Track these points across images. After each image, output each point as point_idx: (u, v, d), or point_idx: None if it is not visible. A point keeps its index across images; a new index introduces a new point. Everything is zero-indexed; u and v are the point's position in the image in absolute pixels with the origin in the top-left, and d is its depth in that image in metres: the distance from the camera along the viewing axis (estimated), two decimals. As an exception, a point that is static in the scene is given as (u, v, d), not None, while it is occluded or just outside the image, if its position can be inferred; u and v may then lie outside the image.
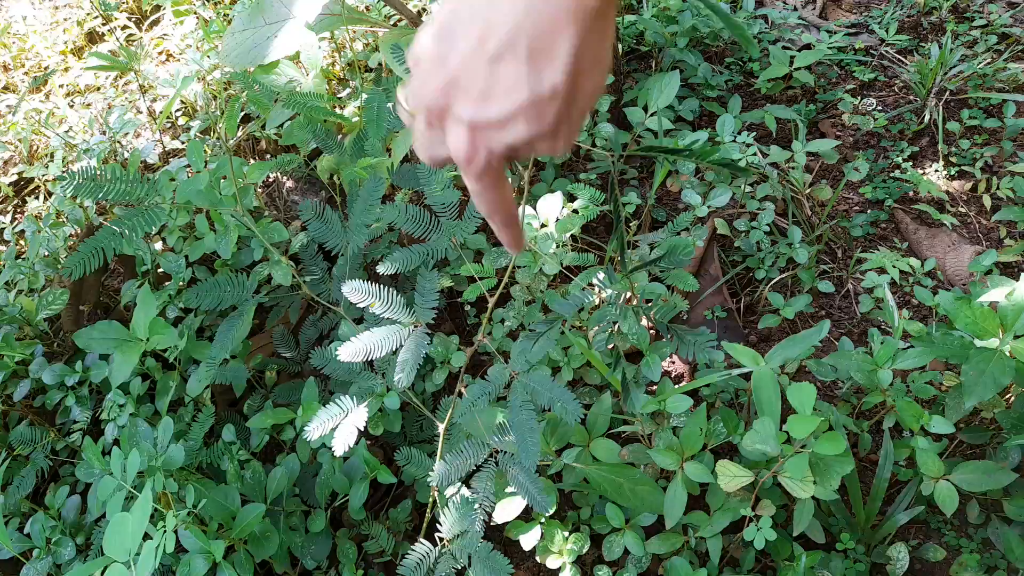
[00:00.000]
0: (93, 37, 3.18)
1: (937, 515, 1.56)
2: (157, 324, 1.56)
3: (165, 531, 1.10)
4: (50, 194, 2.57)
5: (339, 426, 1.37)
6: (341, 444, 1.34)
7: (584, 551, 1.47)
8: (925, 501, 1.50)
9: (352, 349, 1.27)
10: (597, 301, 1.68)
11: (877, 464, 1.65)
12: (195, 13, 2.88)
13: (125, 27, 3.04)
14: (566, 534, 1.46)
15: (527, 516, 1.49)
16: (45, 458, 1.71)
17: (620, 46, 2.28)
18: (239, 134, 2.49)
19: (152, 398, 1.78)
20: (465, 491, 1.46)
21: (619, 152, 1.07)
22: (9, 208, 2.66)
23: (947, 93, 2.32)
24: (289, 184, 2.47)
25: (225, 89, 2.60)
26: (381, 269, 1.45)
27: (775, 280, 1.93)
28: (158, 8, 3.12)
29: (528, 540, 1.46)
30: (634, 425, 1.54)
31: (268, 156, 2.54)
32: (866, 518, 1.49)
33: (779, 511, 1.44)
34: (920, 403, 1.57)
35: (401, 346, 1.31)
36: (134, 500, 1.12)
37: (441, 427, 1.44)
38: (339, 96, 2.56)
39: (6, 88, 3.03)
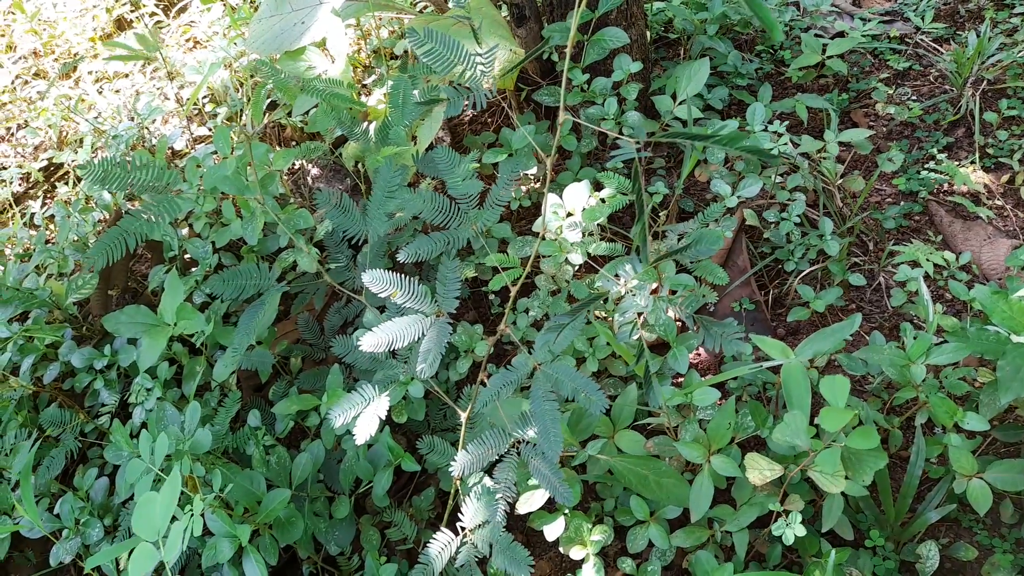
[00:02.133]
0: (122, 24, 3.20)
1: (969, 514, 1.53)
2: (184, 309, 1.57)
3: (192, 514, 1.11)
4: (79, 179, 2.59)
5: (361, 414, 1.37)
6: (363, 433, 1.34)
7: (608, 543, 1.46)
8: (957, 499, 1.47)
9: (374, 339, 1.26)
10: (623, 291, 1.66)
11: (908, 461, 1.62)
12: (222, 0, 2.89)
13: (153, 14, 3.06)
14: (590, 525, 1.45)
15: (551, 507, 1.49)
16: (74, 440, 1.73)
17: (648, 33, 2.25)
18: (264, 121, 2.49)
19: (178, 382, 1.79)
20: (487, 481, 1.45)
21: (644, 139, 1.05)
22: (39, 193, 2.69)
23: (984, 83, 2.26)
24: (314, 172, 2.47)
25: (251, 76, 2.61)
26: (401, 257, 1.44)
27: (805, 272, 1.89)
28: (186, -5, 3.13)
29: (552, 531, 1.45)
30: (659, 417, 1.52)
31: (293, 143, 2.54)
32: (896, 515, 1.47)
33: (806, 507, 1.42)
34: (953, 399, 1.54)
35: (423, 336, 1.30)
36: (162, 482, 1.12)
37: (463, 416, 1.44)
38: (364, 84, 2.55)
39: (36, 74, 3.06)
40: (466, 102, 1.18)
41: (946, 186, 2.09)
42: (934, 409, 1.41)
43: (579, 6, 0.95)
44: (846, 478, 1.19)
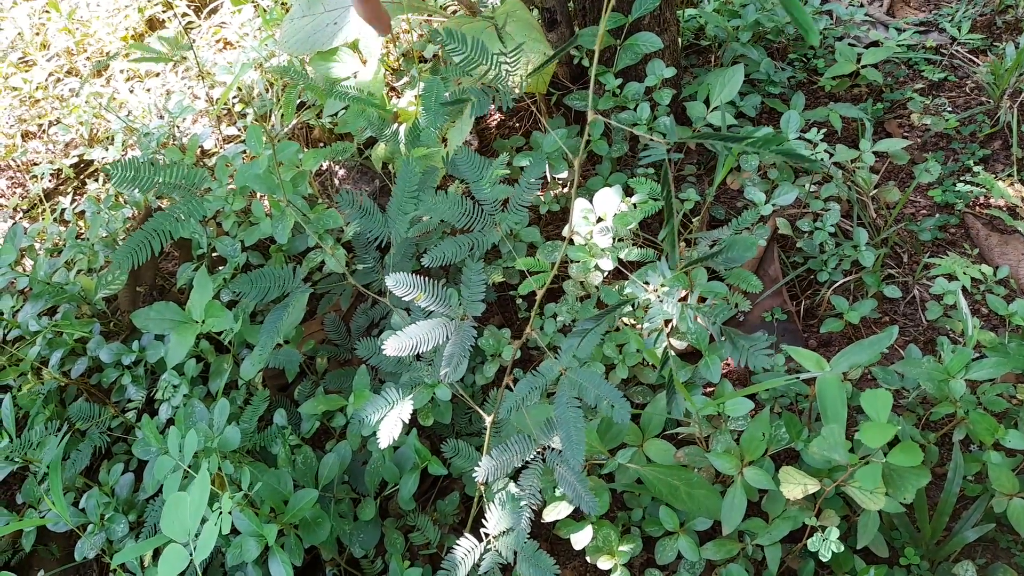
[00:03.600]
0: (153, 24, 3.23)
1: (1008, 534, 1.49)
2: (213, 307, 1.57)
3: (221, 512, 1.10)
4: (109, 176, 2.61)
5: (385, 417, 1.35)
6: (386, 436, 1.33)
7: (636, 554, 1.44)
8: (995, 519, 1.44)
9: (398, 343, 1.24)
10: (653, 298, 1.64)
11: (944, 478, 1.59)
12: (253, 2, 2.90)
13: (185, 14, 3.09)
14: (618, 535, 1.43)
15: (577, 515, 1.47)
16: (101, 435, 1.73)
17: (680, 40, 2.23)
18: (293, 122, 2.50)
19: (204, 380, 1.79)
20: (512, 487, 1.44)
21: (674, 140, 1.03)
22: (69, 189, 2.71)
23: (1022, 95, 2.22)
24: (341, 173, 2.47)
25: (281, 77, 2.62)
26: (426, 261, 1.42)
27: (838, 283, 1.86)
28: (217, -4, 3.15)
29: (579, 539, 1.43)
30: (690, 427, 1.50)
31: (321, 144, 2.55)
32: (932, 533, 1.43)
33: (840, 522, 1.39)
34: (991, 416, 1.50)
35: (447, 339, 1.28)
36: (190, 479, 1.12)
37: (488, 420, 1.42)
38: (394, 87, 2.55)
39: (69, 72, 3.09)
40: (493, 105, 1.17)
41: (983, 199, 2.05)
42: (974, 425, 1.37)
43: (607, 8, 0.94)
44: (886, 495, 1.17)
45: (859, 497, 1.20)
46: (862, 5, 2.67)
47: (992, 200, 2.03)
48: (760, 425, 1.34)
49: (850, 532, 1.41)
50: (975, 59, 2.44)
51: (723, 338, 1.20)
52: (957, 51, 2.47)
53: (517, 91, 1.14)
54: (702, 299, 1.71)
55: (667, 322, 1.76)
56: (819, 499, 1.33)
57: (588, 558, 1.44)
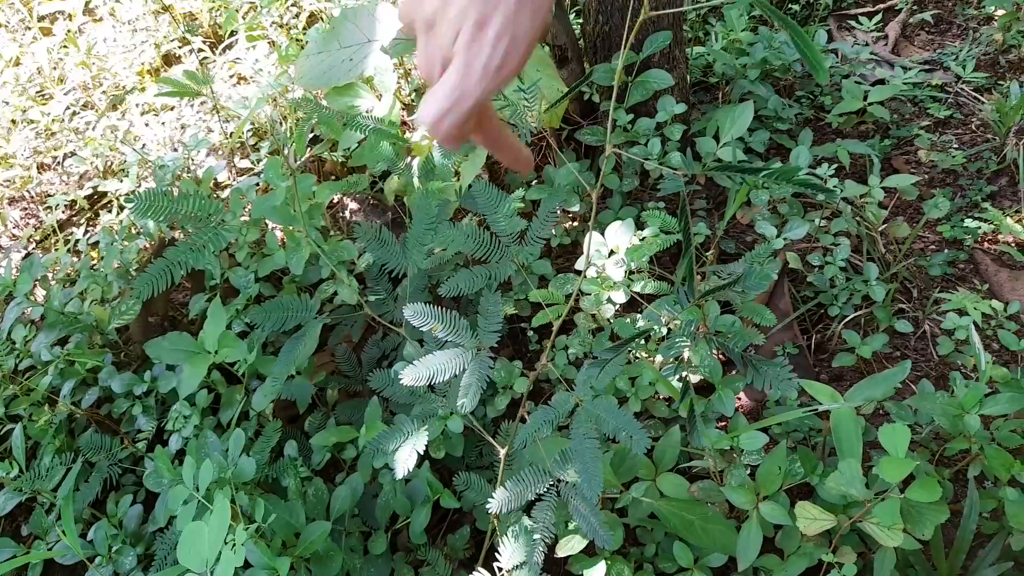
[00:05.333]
0: (169, 59, 3.29)
1: (1026, 573, 1.47)
2: (226, 337, 1.58)
3: (235, 545, 1.09)
4: (123, 208, 2.64)
5: (399, 448, 1.35)
6: (402, 467, 1.32)
7: (649, 590, 1.42)
8: (1013, 557, 1.42)
9: (414, 373, 1.24)
10: (667, 331, 1.65)
11: (959, 515, 1.57)
12: (267, 39, 2.96)
13: (200, 50, 3.14)
14: (631, 571, 1.41)
15: (590, 550, 1.45)
16: (110, 466, 1.72)
17: (688, 77, 2.27)
18: (306, 155, 2.53)
19: (214, 411, 1.79)
20: (526, 520, 1.43)
21: (691, 172, 1.05)
22: (83, 221, 2.74)
23: (1028, 132, 2.25)
24: (352, 206, 2.49)
25: (295, 111, 2.66)
26: (443, 291, 1.43)
27: (849, 318, 1.87)
28: (233, 33, 3.22)
29: (592, 575, 1.41)
30: (703, 461, 1.49)
31: (333, 178, 2.58)
32: (948, 572, 1.41)
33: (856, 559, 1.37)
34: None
35: (464, 370, 1.29)
36: (205, 511, 1.11)
37: (502, 453, 1.42)
38: (405, 121, 2.59)
39: (86, 106, 3.14)
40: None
41: (991, 234, 2.06)
42: (989, 461, 1.36)
43: (625, 46, 0.96)
44: (904, 531, 1.15)
45: (876, 533, 1.19)
46: (867, 44, 2.72)
47: (1001, 236, 2.05)
48: (776, 459, 1.33)
49: (865, 570, 1.39)
50: (980, 97, 2.47)
51: (744, 365, 1.20)
52: (962, 89, 2.51)
53: (534, 125, 1.16)
54: (716, 332, 1.71)
55: (679, 355, 1.76)
56: (835, 535, 1.32)
57: (601, 594, 1.42)
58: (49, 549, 1.58)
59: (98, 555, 1.53)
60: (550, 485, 1.37)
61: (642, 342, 1.72)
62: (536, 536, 1.35)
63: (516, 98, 1.21)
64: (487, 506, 1.33)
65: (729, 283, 1.24)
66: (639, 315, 1.85)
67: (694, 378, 1.69)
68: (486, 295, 1.36)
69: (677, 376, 1.65)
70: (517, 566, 1.37)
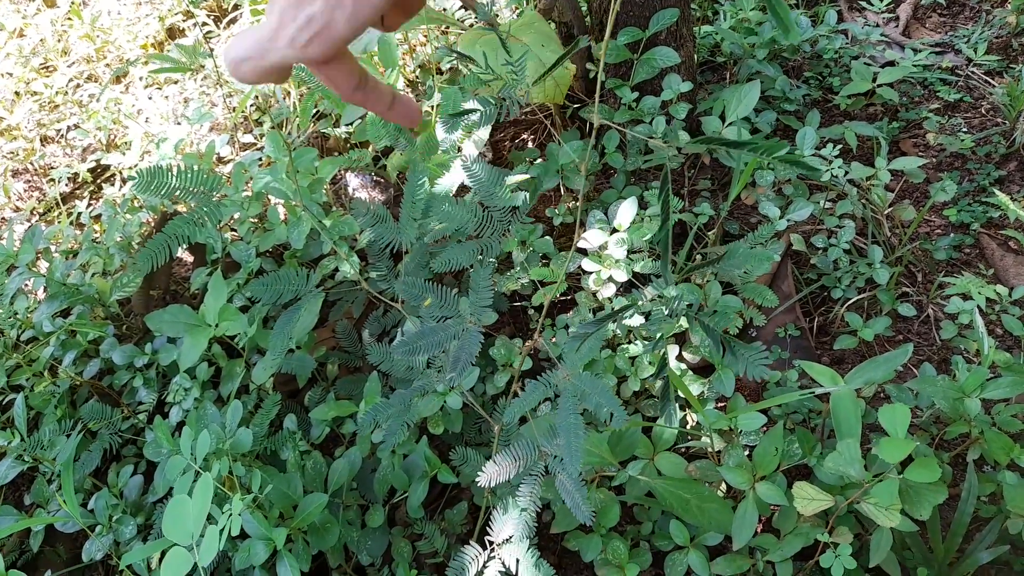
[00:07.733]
0: (173, 32, 3.27)
1: (1022, 556, 1.47)
2: (227, 311, 1.58)
3: (231, 514, 1.10)
4: (125, 181, 2.63)
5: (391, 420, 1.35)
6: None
7: (645, 568, 1.42)
8: (1009, 540, 1.42)
9: (405, 346, 1.24)
10: (655, 304, 1.64)
11: (957, 498, 1.57)
12: (272, 12, 2.93)
13: (204, 23, 3.12)
14: (627, 548, 1.42)
15: (587, 527, 1.46)
16: (111, 436, 1.73)
17: (696, 56, 2.24)
18: (309, 130, 2.52)
19: (215, 384, 1.79)
20: (518, 494, 1.43)
21: (682, 148, 1.03)
22: (86, 194, 2.74)
23: (1039, 116, 2.22)
24: (354, 182, 2.48)
25: (298, 87, 2.64)
26: (435, 266, 1.42)
27: (852, 300, 1.86)
28: (237, 7, 3.19)
29: (588, 552, 1.42)
30: (701, 440, 1.49)
31: (336, 153, 2.56)
32: (945, 554, 1.41)
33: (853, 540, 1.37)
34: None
35: (452, 343, 1.28)
36: (202, 481, 1.12)
37: (496, 428, 1.42)
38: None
39: (89, 78, 3.13)
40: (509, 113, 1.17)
41: (998, 219, 2.04)
42: (989, 445, 1.36)
43: (612, 12, 0.94)
44: (902, 511, 1.15)
45: (874, 514, 1.18)
46: (878, 25, 2.68)
47: (1008, 221, 2.03)
48: (773, 440, 1.33)
49: (862, 551, 1.39)
50: (991, 80, 2.44)
51: (722, 348, 1.19)
52: (973, 72, 2.47)
53: (524, 97, 1.15)
54: (699, 311, 1.70)
55: (680, 336, 1.75)
56: (832, 516, 1.32)
57: (596, 571, 1.43)
58: (51, 516, 1.59)
59: (98, 524, 1.54)
60: (540, 460, 1.38)
61: (643, 321, 1.71)
62: (523, 510, 1.35)
63: (505, 71, 1.20)
64: (477, 480, 1.33)
65: (713, 261, 1.23)
66: (636, 292, 1.84)
67: (695, 358, 1.69)
68: (477, 270, 1.35)
69: (660, 351, 1.64)
70: (508, 539, 1.37)
